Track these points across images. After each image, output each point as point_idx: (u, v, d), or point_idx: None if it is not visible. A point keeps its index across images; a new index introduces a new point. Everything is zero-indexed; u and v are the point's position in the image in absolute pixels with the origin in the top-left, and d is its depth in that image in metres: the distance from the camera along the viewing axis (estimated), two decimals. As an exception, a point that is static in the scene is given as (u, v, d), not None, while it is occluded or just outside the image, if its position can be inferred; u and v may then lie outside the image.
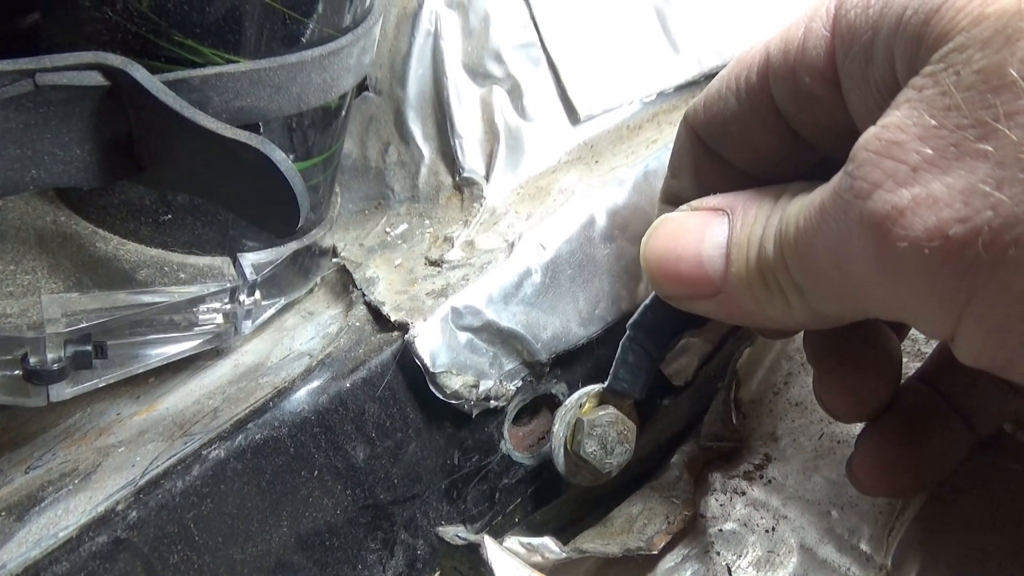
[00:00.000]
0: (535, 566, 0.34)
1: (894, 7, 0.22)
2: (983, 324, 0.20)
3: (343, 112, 0.39)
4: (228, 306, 0.38)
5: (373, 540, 0.36)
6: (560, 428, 0.36)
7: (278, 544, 0.33)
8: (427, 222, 0.44)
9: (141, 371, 0.37)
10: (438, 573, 0.37)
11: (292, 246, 0.39)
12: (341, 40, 0.34)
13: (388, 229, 0.45)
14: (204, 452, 0.32)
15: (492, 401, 0.37)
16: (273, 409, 0.34)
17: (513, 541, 0.33)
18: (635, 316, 0.34)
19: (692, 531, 0.37)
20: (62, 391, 0.34)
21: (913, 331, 0.37)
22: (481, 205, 0.43)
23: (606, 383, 0.35)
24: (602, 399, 0.36)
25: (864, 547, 0.33)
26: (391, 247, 0.44)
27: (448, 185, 0.45)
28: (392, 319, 0.36)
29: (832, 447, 0.37)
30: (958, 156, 0.19)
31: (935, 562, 0.32)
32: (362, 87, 0.46)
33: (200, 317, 0.37)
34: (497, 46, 0.43)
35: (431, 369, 0.35)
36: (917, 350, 0.38)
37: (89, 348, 0.33)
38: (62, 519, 0.31)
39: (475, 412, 0.37)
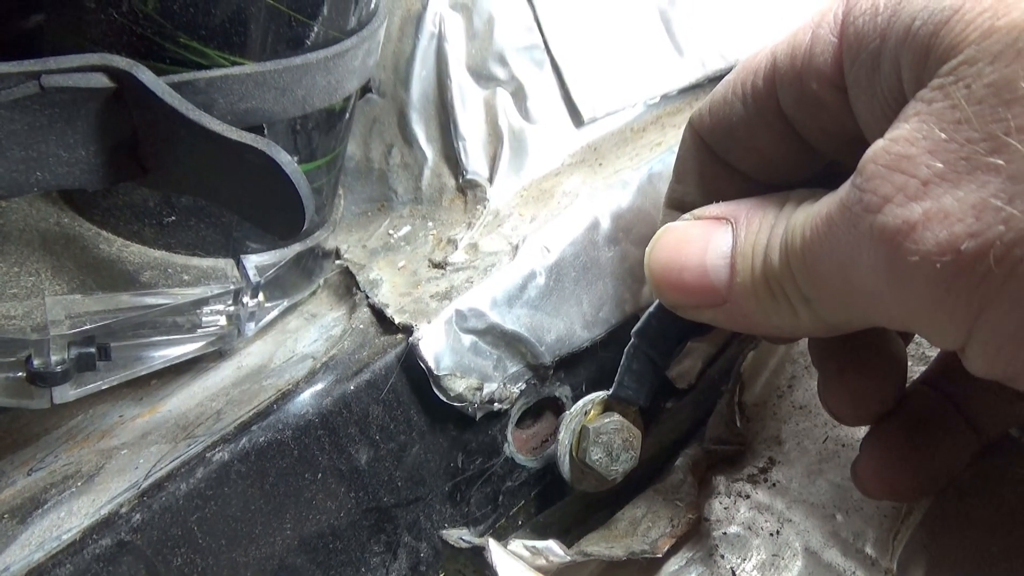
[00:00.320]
0: (539, 569, 0.34)
1: (902, 17, 0.22)
2: (994, 337, 0.20)
3: (347, 114, 0.39)
4: (231, 308, 0.38)
5: (376, 543, 0.36)
6: (566, 435, 0.36)
7: (281, 547, 0.33)
8: (430, 224, 0.44)
9: (144, 373, 0.37)
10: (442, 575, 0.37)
11: (295, 248, 0.39)
12: (346, 42, 0.34)
13: (391, 231, 0.45)
14: (208, 454, 0.32)
15: (496, 404, 0.37)
16: (277, 411, 0.33)
17: (517, 544, 0.33)
18: (639, 324, 0.34)
19: (696, 534, 0.37)
20: (65, 393, 0.34)
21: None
22: (484, 207, 0.43)
23: (611, 390, 0.35)
24: (607, 406, 0.36)
25: (869, 551, 0.33)
26: (394, 249, 0.43)
27: (451, 187, 0.45)
28: (396, 321, 0.36)
29: (836, 450, 0.37)
30: (969, 170, 0.19)
31: (940, 566, 0.32)
32: (366, 89, 0.46)
33: (203, 319, 0.37)
34: (501, 48, 0.43)
35: (435, 372, 0.35)
36: (922, 353, 0.38)
37: (93, 350, 0.33)
38: (65, 521, 0.31)
39: (479, 415, 0.37)
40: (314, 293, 0.43)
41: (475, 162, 0.44)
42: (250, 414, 0.34)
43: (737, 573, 0.35)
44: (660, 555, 0.35)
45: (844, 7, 0.25)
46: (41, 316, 0.33)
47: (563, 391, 0.39)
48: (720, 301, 0.28)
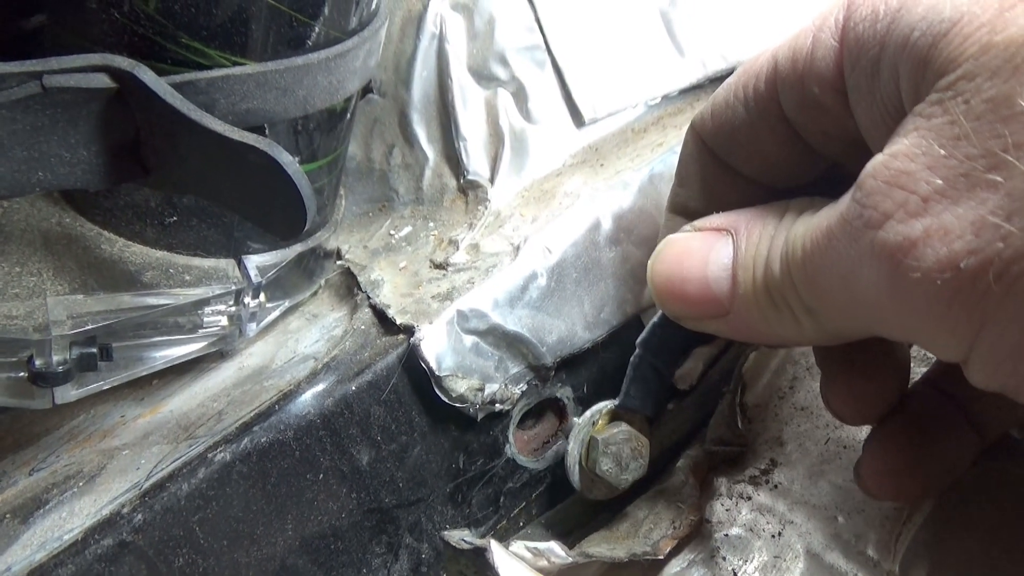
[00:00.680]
0: (541, 570, 0.34)
1: (901, 26, 0.22)
2: (995, 352, 0.20)
3: (348, 114, 0.39)
4: (233, 308, 0.38)
5: (378, 544, 0.36)
6: (575, 446, 0.36)
7: (283, 547, 0.33)
8: (431, 225, 0.44)
9: (146, 373, 0.37)
10: (443, 577, 0.37)
11: (297, 248, 0.39)
12: (347, 43, 0.34)
13: (392, 232, 0.45)
14: (209, 455, 0.32)
15: (497, 405, 0.37)
16: (278, 412, 0.33)
17: (519, 545, 0.33)
18: (644, 334, 0.34)
19: (698, 536, 0.37)
20: (67, 393, 0.34)
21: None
22: (486, 208, 0.43)
23: (617, 400, 0.36)
24: (614, 416, 0.36)
25: (871, 552, 0.33)
26: (395, 250, 0.43)
27: (452, 188, 0.45)
28: (398, 322, 0.36)
29: (838, 452, 0.37)
30: (968, 187, 0.19)
31: (942, 568, 0.32)
32: (367, 89, 0.46)
33: (205, 319, 0.37)
34: (502, 49, 0.43)
35: (436, 372, 0.35)
36: (924, 354, 0.38)
37: (94, 350, 0.33)
38: (67, 522, 0.31)
39: (480, 416, 0.37)
40: (315, 293, 0.43)
41: (476, 162, 0.44)
42: (252, 414, 0.34)
43: (739, 575, 0.35)
44: (662, 556, 0.35)
45: (845, 12, 0.25)
46: (43, 316, 0.33)
47: (564, 392, 0.39)
48: (723, 312, 0.28)
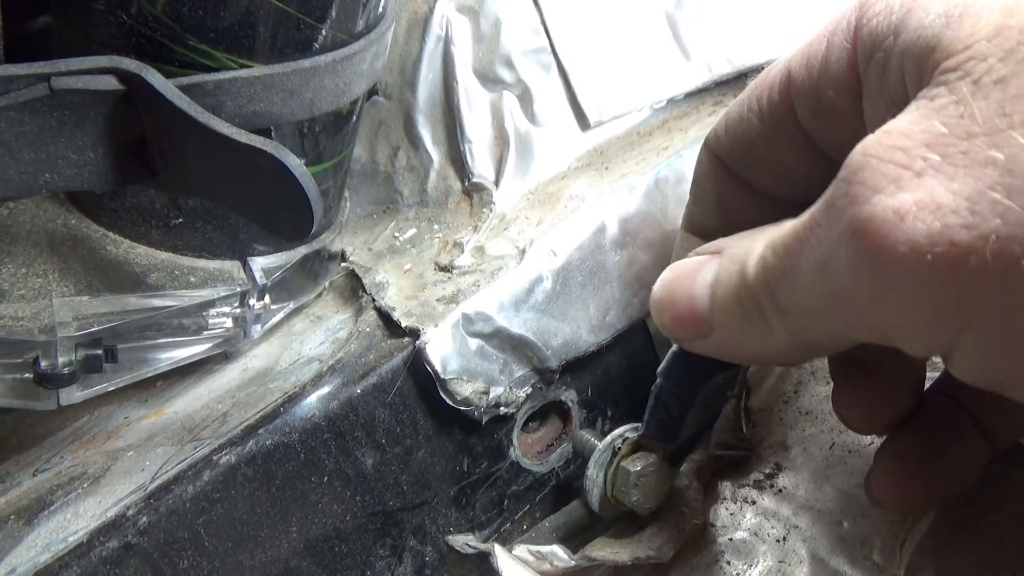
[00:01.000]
0: (544, 574, 0.34)
1: (916, 14, 0.22)
2: (986, 339, 0.19)
3: (354, 117, 0.39)
4: (238, 310, 0.38)
5: (382, 547, 0.36)
6: (597, 473, 0.36)
7: (287, 550, 0.33)
8: (436, 227, 0.44)
9: (150, 375, 0.37)
10: (447, 580, 0.37)
11: (301, 250, 0.39)
12: (354, 45, 0.34)
13: (397, 234, 0.45)
14: (214, 457, 0.32)
15: (502, 408, 0.37)
16: (283, 415, 0.33)
17: (522, 549, 0.33)
18: (664, 363, 0.33)
19: (702, 540, 0.37)
20: (72, 394, 0.34)
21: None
22: (491, 211, 0.43)
23: (640, 431, 0.35)
24: (638, 444, 0.36)
25: (876, 558, 0.33)
26: (400, 252, 0.43)
27: (457, 190, 0.45)
28: (403, 325, 0.36)
29: (843, 456, 0.37)
30: (967, 163, 0.19)
31: (948, 573, 0.32)
32: (372, 92, 0.46)
33: (210, 321, 0.37)
34: (508, 51, 0.43)
35: (442, 375, 0.35)
36: (936, 362, 0.38)
37: (99, 352, 0.33)
38: (71, 523, 0.31)
39: (485, 419, 0.37)
40: (320, 295, 0.43)
41: (481, 165, 0.44)
42: (256, 417, 0.34)
43: (743, 579, 0.35)
44: (666, 561, 0.35)
45: (858, 12, 0.25)
46: (48, 318, 0.33)
47: (569, 395, 0.39)
48: (709, 330, 0.27)
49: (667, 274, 0.30)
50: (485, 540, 0.38)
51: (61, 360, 0.33)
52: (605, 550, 0.36)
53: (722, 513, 0.38)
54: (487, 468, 0.38)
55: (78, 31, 0.32)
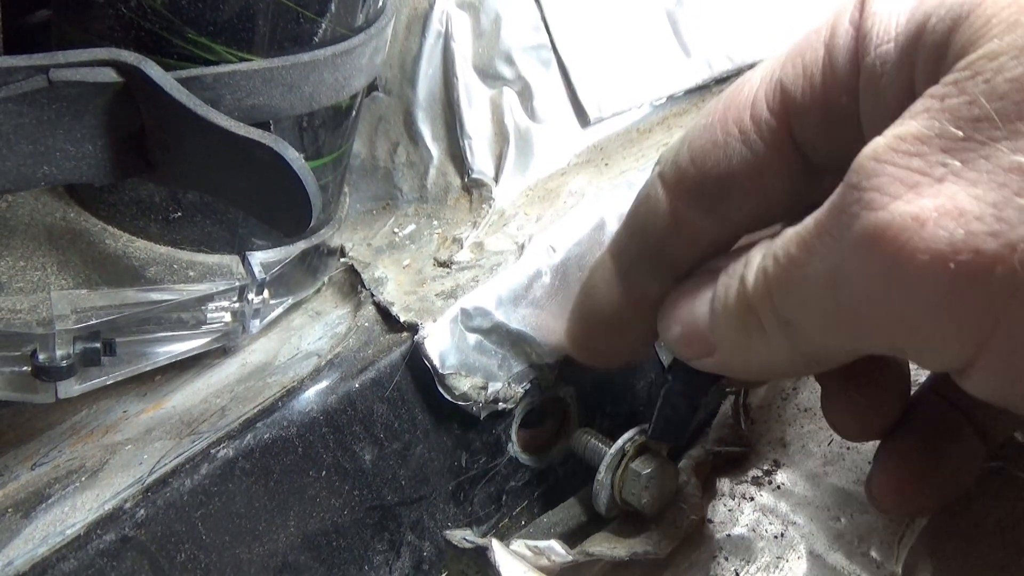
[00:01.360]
0: (542, 569, 0.34)
1: (923, 7, 0.21)
2: (1010, 353, 0.18)
3: (354, 112, 0.39)
4: (236, 304, 0.38)
5: (380, 541, 0.36)
6: (606, 475, 0.36)
7: (285, 544, 0.33)
8: (435, 223, 0.44)
9: (149, 369, 0.36)
10: (445, 575, 0.37)
11: (300, 245, 0.39)
12: (354, 40, 0.34)
13: (396, 229, 0.45)
14: (212, 451, 0.32)
15: (500, 403, 0.37)
16: (282, 409, 0.33)
17: (520, 544, 0.33)
18: (673, 363, 0.33)
19: (700, 536, 0.37)
20: (70, 388, 0.34)
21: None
22: (490, 206, 0.43)
23: (649, 432, 0.35)
24: (646, 446, 0.36)
25: (874, 554, 0.33)
26: (399, 248, 0.43)
27: (457, 186, 0.45)
28: (401, 320, 0.36)
29: (841, 453, 0.37)
30: (990, 169, 0.18)
31: (945, 569, 0.32)
32: (372, 87, 0.46)
33: (208, 315, 0.37)
34: (508, 47, 0.43)
35: (440, 370, 0.35)
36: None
37: (98, 345, 0.33)
38: (69, 516, 0.31)
39: (483, 414, 0.37)
40: (319, 291, 0.43)
41: (481, 161, 0.44)
42: (254, 411, 0.34)
43: (741, 575, 0.35)
44: (663, 556, 0.35)
45: (859, 10, 0.24)
46: (47, 310, 0.33)
47: (567, 391, 0.39)
48: (711, 348, 0.27)
49: (671, 294, 0.29)
50: (483, 535, 0.38)
51: (59, 353, 0.32)
52: (603, 545, 0.35)
53: (720, 509, 0.38)
54: (485, 464, 0.38)
55: (77, 24, 0.32)
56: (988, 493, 0.33)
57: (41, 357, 0.32)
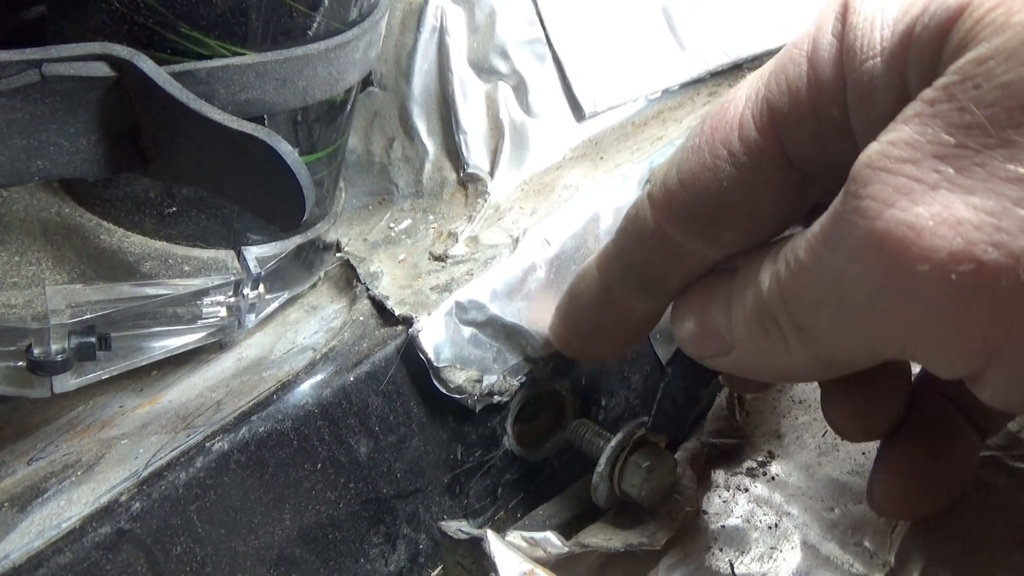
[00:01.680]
0: (537, 560, 0.34)
1: (911, 11, 0.21)
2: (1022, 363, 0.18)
3: (348, 106, 0.39)
4: (232, 299, 0.38)
5: (375, 534, 0.36)
6: (606, 468, 0.36)
7: (280, 537, 0.33)
8: (431, 217, 0.44)
9: (144, 363, 0.37)
10: (440, 567, 0.37)
11: (296, 240, 0.40)
12: (347, 34, 0.34)
13: (392, 224, 0.45)
14: (207, 444, 0.32)
15: (496, 396, 0.37)
16: (277, 402, 0.34)
17: (515, 535, 0.33)
18: (673, 356, 0.33)
19: (695, 527, 0.37)
20: (66, 382, 0.34)
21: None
22: (485, 201, 0.43)
23: (649, 423, 0.35)
24: (645, 438, 0.36)
25: (867, 544, 0.33)
26: (395, 242, 0.44)
27: (452, 181, 0.45)
28: (396, 313, 0.36)
29: (835, 444, 0.37)
30: (986, 177, 0.18)
31: (938, 559, 0.32)
32: (367, 82, 0.46)
33: (204, 310, 0.37)
34: (503, 42, 0.43)
35: (435, 363, 0.35)
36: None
37: (93, 340, 0.33)
38: (65, 510, 0.31)
39: (478, 407, 0.37)
40: (314, 285, 0.43)
41: (476, 156, 0.44)
42: (250, 405, 0.34)
43: (735, 566, 0.35)
44: (658, 548, 0.35)
45: (841, 18, 0.23)
46: (42, 305, 0.33)
47: (563, 384, 0.39)
48: (728, 347, 0.26)
49: (685, 292, 0.29)
50: (479, 527, 0.38)
51: (54, 347, 0.33)
52: (598, 537, 0.36)
53: (715, 501, 0.38)
54: (481, 456, 0.38)
55: (71, 19, 0.32)
56: (982, 483, 0.33)
57: (36, 352, 0.32)
